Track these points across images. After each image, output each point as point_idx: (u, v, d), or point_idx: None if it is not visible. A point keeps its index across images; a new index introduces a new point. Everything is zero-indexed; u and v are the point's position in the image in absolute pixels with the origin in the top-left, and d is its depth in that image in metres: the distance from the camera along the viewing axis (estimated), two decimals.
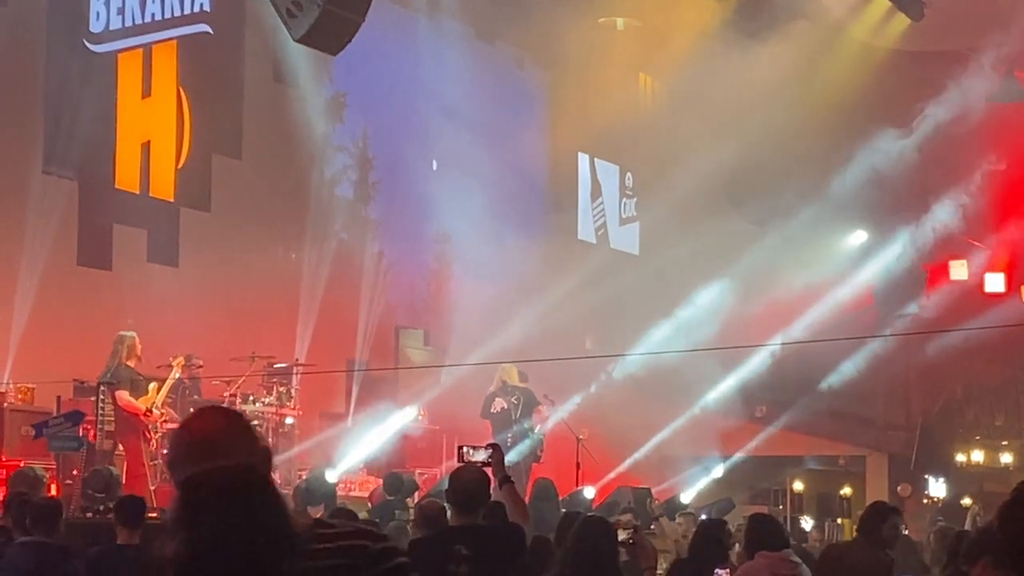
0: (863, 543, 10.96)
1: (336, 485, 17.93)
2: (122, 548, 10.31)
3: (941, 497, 30.38)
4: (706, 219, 26.78)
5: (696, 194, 26.33)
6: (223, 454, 3.82)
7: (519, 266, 24.71)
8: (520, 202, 25.99)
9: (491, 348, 22.11)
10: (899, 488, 30.41)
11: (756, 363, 26.53)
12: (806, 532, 24.86)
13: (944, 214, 27.67)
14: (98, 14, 21.42)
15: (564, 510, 14.49)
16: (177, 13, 22.03)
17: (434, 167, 25.73)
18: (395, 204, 25.52)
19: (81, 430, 16.37)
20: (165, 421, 18.07)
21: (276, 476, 18.54)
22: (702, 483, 24.38)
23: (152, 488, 16.77)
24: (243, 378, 19.46)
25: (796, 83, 24.83)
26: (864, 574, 10.74)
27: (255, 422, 19.14)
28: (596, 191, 30.43)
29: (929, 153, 27.28)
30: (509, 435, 20.55)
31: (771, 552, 10.15)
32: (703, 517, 18.18)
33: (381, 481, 18.44)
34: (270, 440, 19.18)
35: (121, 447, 17.17)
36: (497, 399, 21.20)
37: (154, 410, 17.27)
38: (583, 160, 29.96)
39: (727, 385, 26.43)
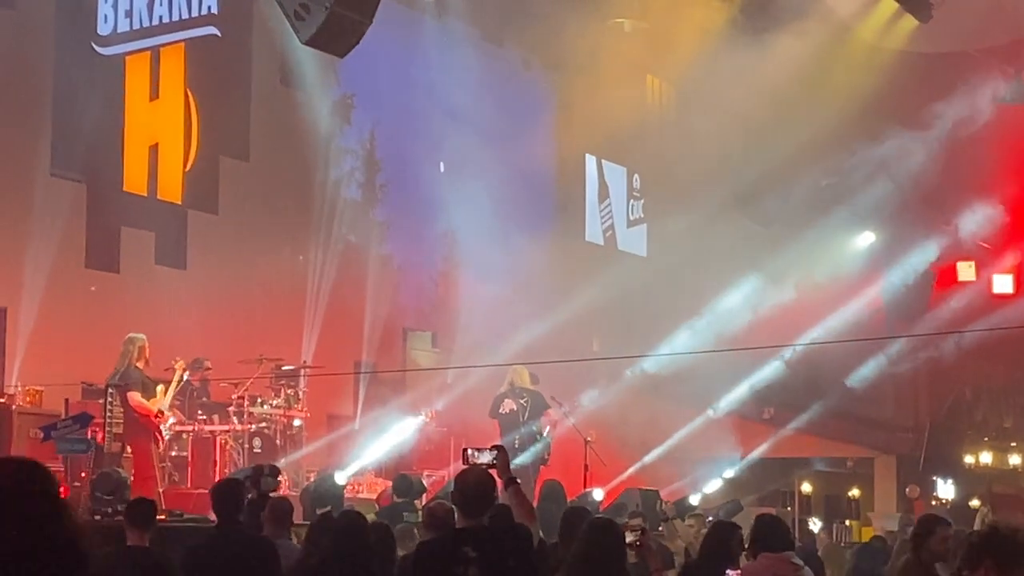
0: (914, 564, 10.26)
1: (344, 487, 17.91)
2: (132, 550, 10.30)
3: (950, 499, 30.39)
4: (713, 221, 26.79)
5: (703, 196, 26.33)
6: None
7: (527, 268, 24.70)
8: (528, 204, 25.98)
9: (499, 350, 22.11)
10: (907, 490, 30.43)
11: (770, 368, 26.53)
12: (814, 534, 24.83)
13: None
14: (106, 17, 21.46)
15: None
16: (185, 16, 22.05)
17: (441, 169, 25.73)
18: (402, 206, 25.52)
19: (89, 432, 16.37)
20: (175, 423, 18.11)
21: (283, 479, 18.59)
22: (711, 485, 24.37)
23: (161, 490, 16.78)
24: (251, 380, 19.47)
25: (803, 84, 24.80)
26: None
27: (263, 424, 19.17)
28: (603, 193, 30.44)
29: (937, 155, 27.25)
30: (516, 437, 20.54)
31: (773, 553, 10.16)
32: (708, 519, 18.18)
33: (388, 483, 18.44)
34: (278, 442, 19.22)
35: (129, 449, 17.18)
36: (506, 400, 21.19)
37: (164, 412, 17.29)
38: (590, 162, 29.97)
39: (736, 387, 26.41)
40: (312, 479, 18.44)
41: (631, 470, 24.12)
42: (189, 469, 18.65)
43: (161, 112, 22.26)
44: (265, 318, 22.33)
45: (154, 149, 22.12)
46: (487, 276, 24.70)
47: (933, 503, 30.49)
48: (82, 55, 21.00)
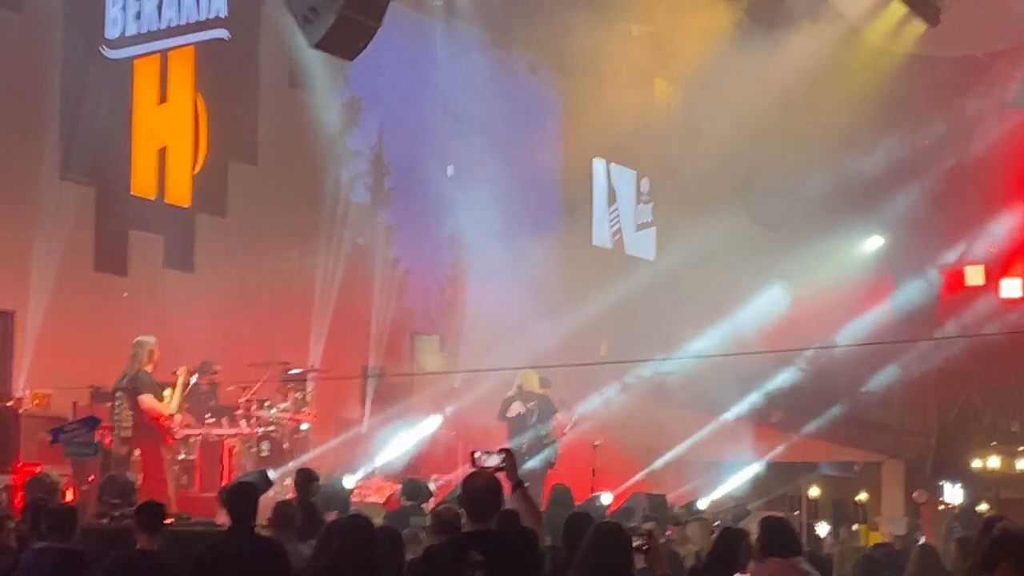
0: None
1: (351, 491, 17.90)
2: (141, 554, 10.32)
3: (957, 503, 30.34)
4: (722, 224, 26.77)
5: (712, 199, 26.32)
6: None
7: (534, 271, 24.70)
8: (535, 207, 25.99)
9: (506, 354, 22.11)
10: (915, 494, 30.38)
11: (784, 375, 26.54)
12: (821, 538, 24.79)
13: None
14: (115, 20, 21.48)
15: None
16: (193, 19, 22.05)
17: (449, 172, 25.73)
18: (410, 209, 25.53)
19: (97, 436, 16.36)
20: (183, 426, 18.12)
21: (290, 483, 18.60)
22: (721, 489, 24.35)
23: (171, 494, 16.78)
24: (259, 384, 19.47)
25: (812, 88, 24.78)
26: None
27: (271, 427, 19.19)
28: (611, 197, 30.45)
29: (945, 159, 27.27)
30: (524, 441, 20.56)
31: (782, 559, 10.13)
32: (715, 523, 18.15)
33: (396, 487, 18.44)
34: (285, 446, 19.23)
35: (137, 452, 17.18)
36: (515, 403, 21.22)
37: (176, 415, 17.32)
38: (598, 165, 29.98)
39: (744, 391, 26.40)
40: (319, 483, 18.41)
41: (640, 475, 24.12)
42: (196, 472, 18.65)
43: (169, 115, 22.27)
44: (273, 321, 22.34)
45: (162, 152, 22.13)
46: (494, 280, 24.71)
47: (941, 507, 30.46)
48: (91, 58, 21.02)
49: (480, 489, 7.97)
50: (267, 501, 13.31)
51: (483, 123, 24.75)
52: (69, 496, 15.94)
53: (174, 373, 17.95)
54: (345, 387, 22.81)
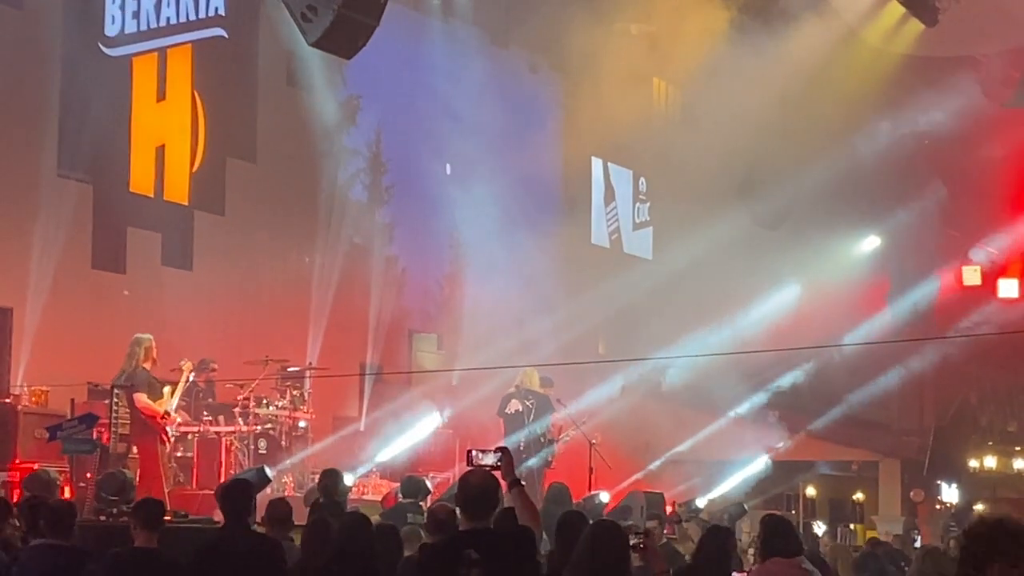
0: None
1: (350, 489, 17.89)
2: (140, 551, 10.33)
3: (954, 503, 30.39)
4: (720, 223, 26.79)
5: (710, 199, 26.34)
6: None
7: (532, 270, 24.72)
8: (533, 206, 25.98)
9: (504, 352, 22.12)
10: (912, 493, 30.45)
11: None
12: (818, 537, 24.84)
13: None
14: (113, 18, 21.49)
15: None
16: (192, 17, 22.07)
17: (447, 171, 25.73)
18: (408, 208, 25.54)
19: (95, 433, 16.39)
20: (180, 424, 18.13)
21: (288, 480, 18.62)
22: (716, 488, 24.36)
23: (167, 491, 16.80)
24: (256, 381, 19.48)
25: (810, 88, 24.80)
26: None
27: (268, 425, 19.21)
28: (609, 195, 30.46)
29: (943, 159, 27.29)
30: (521, 439, 20.59)
31: (784, 559, 10.13)
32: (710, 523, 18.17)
33: (394, 484, 18.45)
34: (283, 443, 19.24)
35: (135, 450, 17.19)
36: (513, 400, 21.25)
37: (171, 413, 17.31)
38: (597, 164, 29.99)
39: (745, 390, 26.42)
40: (317, 479, 18.42)
41: (639, 474, 24.14)
42: (194, 470, 18.66)
43: (168, 113, 22.29)
44: (271, 319, 22.36)
45: (161, 150, 22.15)
46: (492, 278, 24.72)
47: (937, 507, 30.51)
48: (89, 56, 21.02)
49: (477, 487, 7.97)
50: (265, 499, 13.38)
51: (481, 122, 24.75)
52: (67, 493, 15.94)
53: (178, 368, 17.98)
54: (343, 385, 22.83)
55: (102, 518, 14.72)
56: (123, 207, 21.40)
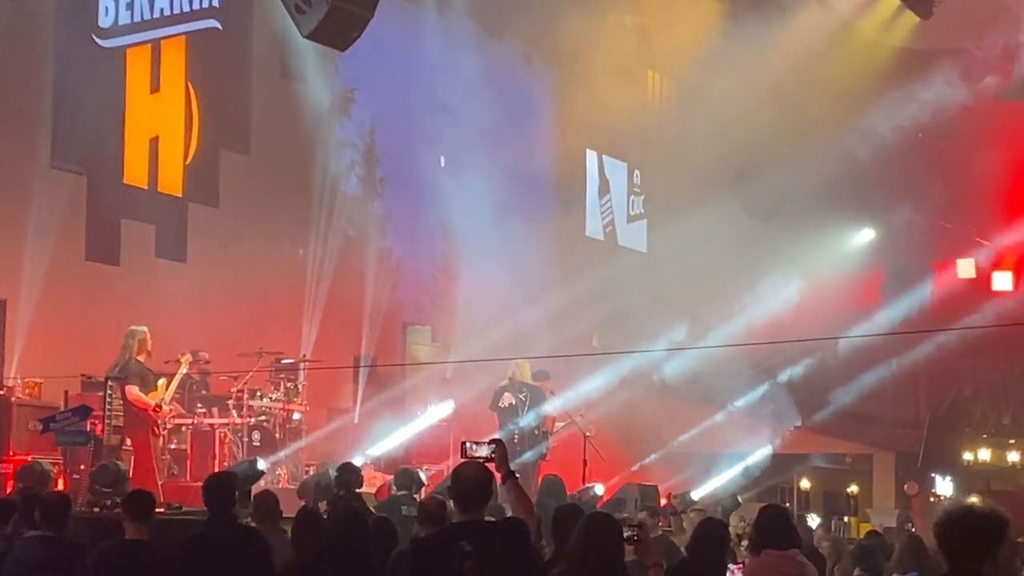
0: None
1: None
2: (130, 543, 10.32)
3: (948, 495, 30.38)
4: (714, 216, 26.79)
5: (704, 191, 26.33)
6: None
7: (526, 263, 24.70)
8: (528, 199, 25.98)
9: (498, 344, 22.11)
10: (906, 486, 30.45)
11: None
12: (812, 530, 24.82)
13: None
14: (107, 9, 21.44)
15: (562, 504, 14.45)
16: (186, 9, 22.05)
17: (441, 163, 25.70)
18: (402, 200, 25.52)
19: (88, 425, 16.38)
20: (174, 416, 18.11)
21: (282, 472, 18.61)
22: (710, 481, 24.35)
23: (160, 483, 16.80)
24: (250, 374, 19.48)
25: (805, 80, 24.81)
26: None
27: (262, 417, 19.21)
28: (604, 188, 30.43)
29: (937, 152, 27.29)
30: (515, 431, 20.58)
31: (778, 551, 10.11)
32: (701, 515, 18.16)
33: (387, 476, 18.43)
34: (277, 435, 19.24)
35: (128, 442, 17.18)
36: (506, 393, 21.23)
37: (163, 405, 17.28)
38: (591, 157, 29.96)
39: (740, 383, 26.42)
40: (311, 472, 18.43)
41: (636, 467, 24.14)
42: (188, 462, 18.66)
43: (162, 105, 22.26)
44: (265, 311, 22.34)
45: (154, 142, 22.12)
46: (487, 271, 24.71)
47: (932, 499, 30.51)
48: (83, 47, 20.98)
49: (470, 479, 7.96)
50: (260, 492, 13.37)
51: (475, 114, 24.73)
52: (60, 485, 15.93)
53: (176, 360, 17.97)
54: (337, 377, 22.80)
55: (96, 510, 14.72)
56: (117, 199, 21.38)
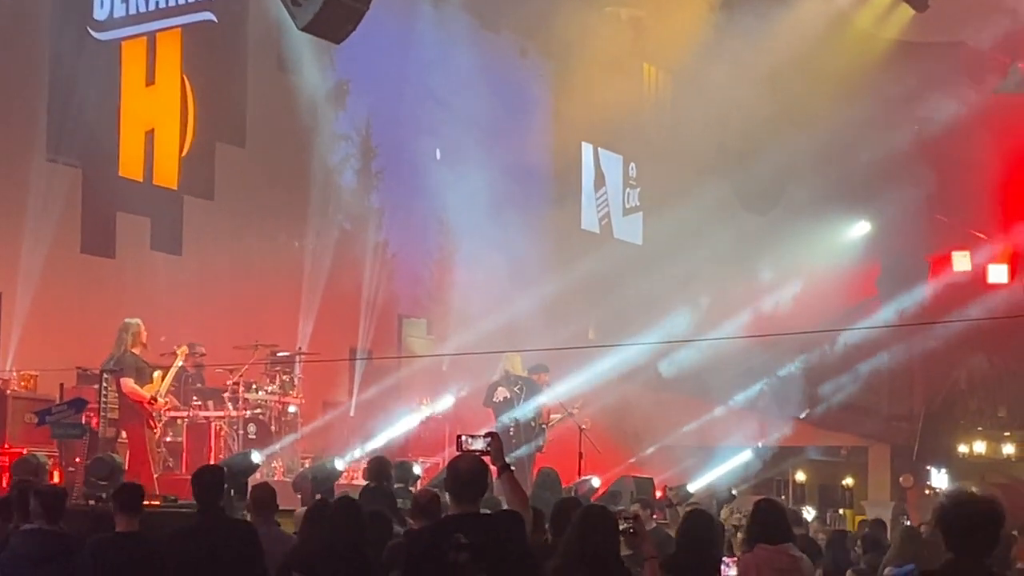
0: None
1: (341, 473, 17.87)
2: (121, 536, 10.33)
3: (943, 488, 30.41)
4: (709, 209, 26.80)
5: (699, 184, 26.34)
6: None
7: (522, 255, 24.71)
8: (523, 191, 25.98)
9: (493, 337, 22.12)
10: (901, 479, 30.49)
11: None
12: (808, 523, 24.86)
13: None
14: (102, 2, 21.40)
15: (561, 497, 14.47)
16: (181, 1, 22.03)
17: (437, 156, 25.69)
18: (398, 193, 25.51)
19: (84, 417, 16.37)
20: (169, 409, 18.11)
21: (278, 465, 18.61)
22: (705, 474, 24.38)
23: (156, 476, 16.80)
24: (246, 366, 19.47)
25: (800, 72, 24.81)
26: None
27: (258, 410, 19.21)
28: (600, 181, 30.42)
29: (932, 144, 27.29)
30: (511, 425, 20.58)
31: (771, 545, 10.12)
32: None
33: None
34: (273, 428, 19.23)
35: (124, 435, 17.17)
36: (500, 388, 21.22)
37: (158, 398, 17.28)
38: (587, 150, 29.95)
39: (736, 376, 26.44)
40: (307, 465, 18.44)
41: (632, 459, 24.17)
42: (184, 455, 18.65)
43: (157, 97, 22.23)
44: (260, 304, 22.33)
45: (150, 134, 22.10)
46: (482, 263, 24.71)
47: (927, 492, 30.55)
48: (78, 40, 20.95)
49: (466, 472, 7.96)
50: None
51: (471, 107, 24.72)
52: (56, 478, 15.93)
53: (169, 353, 17.97)
54: (332, 370, 22.81)
55: (91, 503, 14.70)
56: (112, 192, 21.36)
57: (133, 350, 17.19)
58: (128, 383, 16.96)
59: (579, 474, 19.97)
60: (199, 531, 10.21)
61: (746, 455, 25.41)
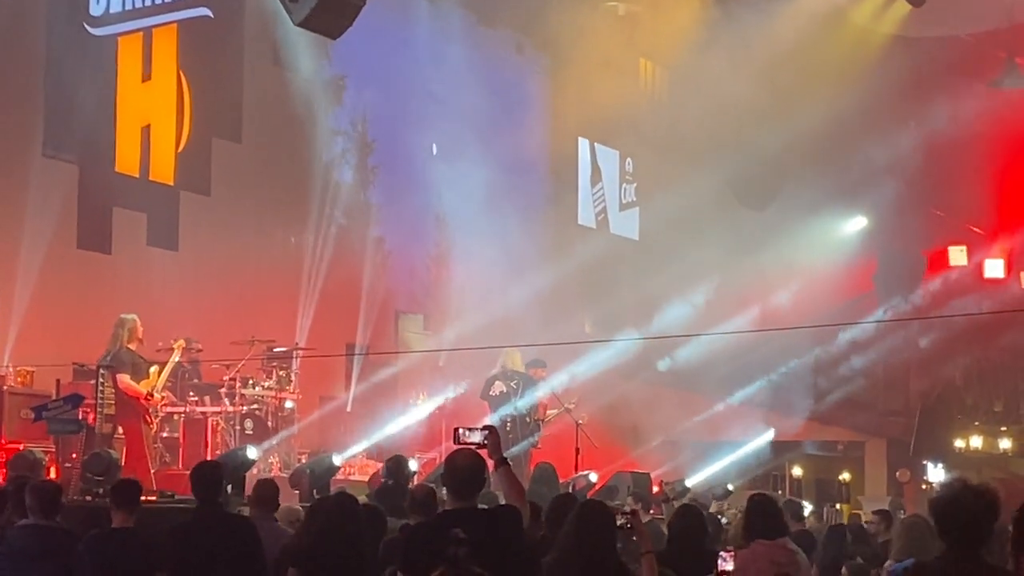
0: None
1: (338, 469, 17.87)
2: (117, 531, 10.33)
3: (940, 482, 30.41)
4: (706, 204, 26.80)
5: (696, 179, 26.33)
6: None
7: (519, 251, 24.70)
8: (520, 187, 25.96)
9: (489, 332, 22.11)
10: (898, 473, 30.50)
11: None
12: (804, 518, 24.84)
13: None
14: None
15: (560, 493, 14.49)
16: None
17: (434, 151, 25.69)
18: (395, 188, 25.49)
19: (80, 413, 16.35)
20: (165, 404, 18.10)
21: (275, 460, 18.60)
22: (702, 469, 24.39)
23: (153, 471, 16.78)
24: (243, 362, 19.46)
25: (797, 68, 24.80)
26: None
27: (255, 405, 19.20)
28: (596, 176, 30.41)
29: (930, 140, 27.28)
30: (508, 420, 20.58)
31: (768, 540, 10.13)
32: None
33: (379, 465, 18.42)
34: (270, 424, 19.23)
35: (121, 430, 17.17)
36: (497, 382, 21.24)
37: (155, 394, 17.27)
38: (583, 145, 29.94)
39: (733, 371, 26.43)
40: (303, 461, 18.43)
41: (633, 454, 24.18)
42: (180, 450, 18.65)
43: (153, 93, 22.22)
44: (257, 300, 22.32)
45: (146, 130, 22.08)
46: (479, 259, 24.71)
47: (923, 487, 30.56)
48: (74, 36, 20.95)
49: (464, 467, 7.96)
50: (252, 479, 13.36)
51: (467, 102, 24.71)
52: (52, 473, 15.92)
53: (168, 348, 17.96)
54: (329, 366, 22.81)
55: (88, 498, 14.70)
56: (108, 187, 21.35)
57: (129, 346, 17.18)
58: (124, 379, 16.95)
59: (576, 469, 19.97)
60: (199, 526, 10.21)
61: (743, 451, 25.42)
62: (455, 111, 24.85)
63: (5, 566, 10.06)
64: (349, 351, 23.72)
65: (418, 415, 21.09)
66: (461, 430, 8.41)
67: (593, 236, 29.38)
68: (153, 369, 17.40)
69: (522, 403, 20.97)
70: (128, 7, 21.62)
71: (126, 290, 20.53)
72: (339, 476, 17.64)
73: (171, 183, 22.38)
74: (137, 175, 21.86)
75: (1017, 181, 28.99)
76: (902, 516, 21.35)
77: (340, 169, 24.77)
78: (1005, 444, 32.34)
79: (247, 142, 23.47)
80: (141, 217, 21.93)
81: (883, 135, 27.50)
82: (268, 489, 11.67)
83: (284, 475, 17.19)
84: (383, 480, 14.79)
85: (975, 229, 30.55)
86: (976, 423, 32.78)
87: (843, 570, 14.29)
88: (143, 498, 11.22)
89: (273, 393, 19.58)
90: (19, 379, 18.19)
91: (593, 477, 19.59)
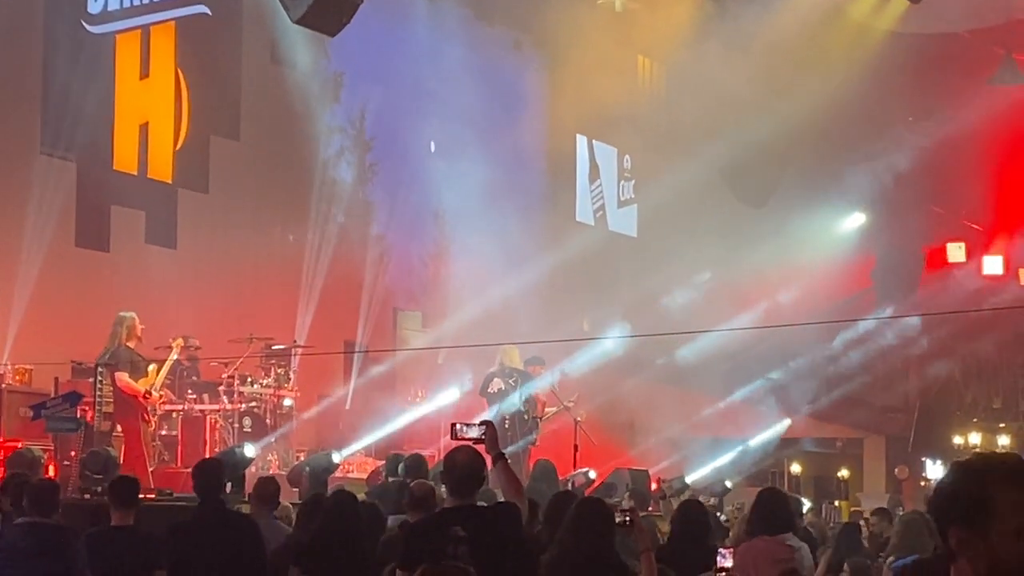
0: None
1: (337, 466, 17.87)
2: (116, 529, 10.32)
3: (938, 479, 30.43)
4: (704, 201, 26.78)
5: (694, 176, 26.32)
6: None
7: (517, 248, 24.69)
8: (518, 184, 25.95)
9: (488, 329, 22.11)
10: (896, 470, 30.51)
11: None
12: (803, 514, 24.85)
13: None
14: None
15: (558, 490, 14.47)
16: None
17: (432, 148, 25.68)
18: (393, 185, 25.48)
19: (79, 411, 16.36)
20: (164, 403, 18.10)
21: (273, 458, 18.61)
22: (700, 466, 24.40)
23: (151, 469, 16.79)
24: (241, 360, 19.47)
25: (795, 65, 24.78)
26: None
27: (253, 403, 19.20)
28: (594, 173, 30.39)
29: (928, 136, 27.27)
30: (506, 417, 20.58)
31: (770, 536, 10.12)
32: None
33: (377, 462, 18.43)
34: (268, 421, 19.23)
35: (119, 428, 17.17)
36: (496, 379, 21.23)
37: (153, 392, 17.27)
38: (581, 142, 29.92)
39: (731, 368, 26.43)
40: (302, 458, 18.42)
41: (631, 453, 24.16)
42: (179, 448, 18.66)
43: (151, 91, 22.22)
44: (255, 297, 22.33)
45: (144, 128, 22.08)
46: (477, 255, 24.70)
47: (922, 484, 30.56)
48: (72, 34, 20.94)
49: (464, 465, 7.95)
50: (251, 477, 13.36)
51: (466, 99, 24.69)
52: (51, 471, 15.92)
53: (167, 346, 17.95)
54: (328, 363, 22.80)
55: (86, 496, 14.70)
56: (107, 185, 21.35)
57: (128, 344, 17.19)
58: (122, 377, 16.95)
59: (575, 466, 19.96)
60: (200, 524, 10.20)
61: (742, 448, 25.42)
62: (453, 108, 24.84)
63: (4, 563, 10.06)
64: (348, 348, 23.71)
65: (423, 412, 21.08)
66: (458, 426, 8.41)
67: (591, 233, 29.37)
68: (152, 367, 17.40)
69: (520, 400, 20.96)
70: (126, 5, 21.62)
71: (124, 288, 20.53)
72: (338, 473, 17.65)
73: (169, 181, 22.37)
74: (135, 173, 21.86)
75: (1016, 177, 28.98)
76: (900, 512, 21.38)
77: (338, 166, 24.76)
78: (1004, 440, 32.34)
79: (245, 140, 23.47)
80: (139, 215, 21.93)
81: (881, 132, 27.50)
82: (268, 487, 11.67)
83: (283, 473, 17.19)
84: (403, 478, 14.77)
85: (974, 226, 30.54)
86: (975, 420, 32.79)
87: (844, 566, 14.28)
88: (141, 496, 11.21)
89: (271, 391, 19.58)
90: (17, 377, 18.20)
91: (592, 474, 19.58)
